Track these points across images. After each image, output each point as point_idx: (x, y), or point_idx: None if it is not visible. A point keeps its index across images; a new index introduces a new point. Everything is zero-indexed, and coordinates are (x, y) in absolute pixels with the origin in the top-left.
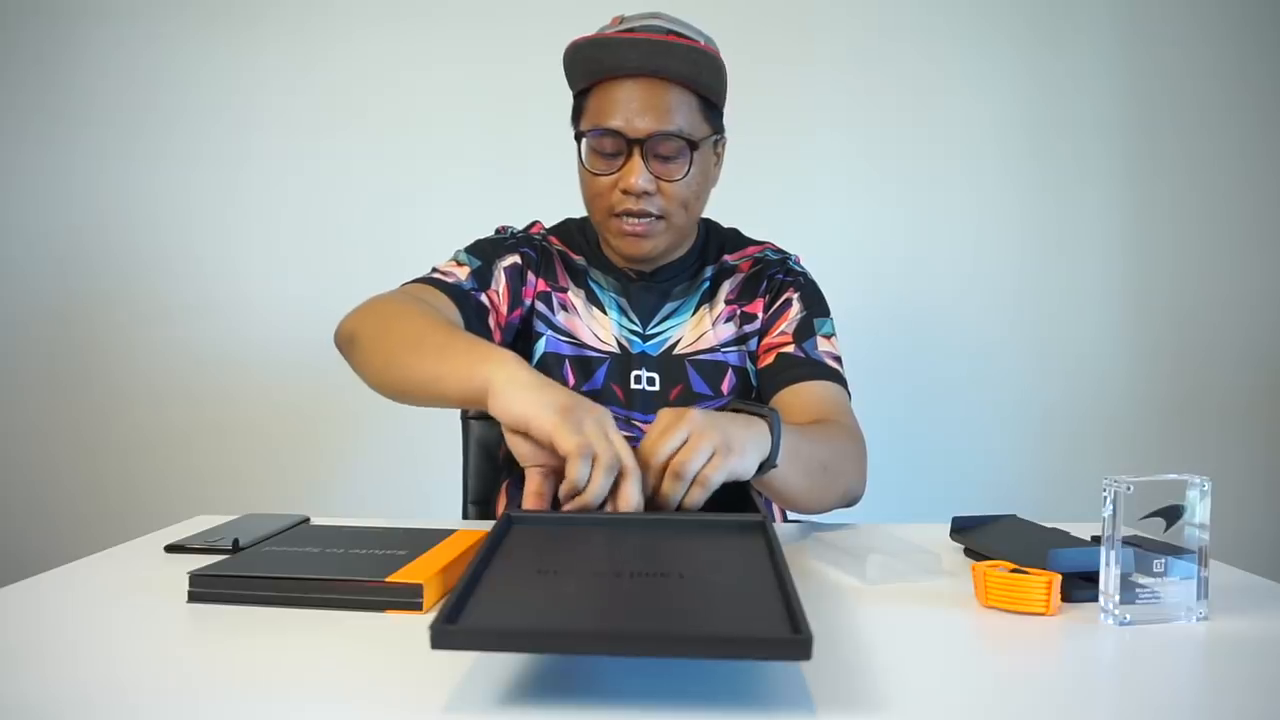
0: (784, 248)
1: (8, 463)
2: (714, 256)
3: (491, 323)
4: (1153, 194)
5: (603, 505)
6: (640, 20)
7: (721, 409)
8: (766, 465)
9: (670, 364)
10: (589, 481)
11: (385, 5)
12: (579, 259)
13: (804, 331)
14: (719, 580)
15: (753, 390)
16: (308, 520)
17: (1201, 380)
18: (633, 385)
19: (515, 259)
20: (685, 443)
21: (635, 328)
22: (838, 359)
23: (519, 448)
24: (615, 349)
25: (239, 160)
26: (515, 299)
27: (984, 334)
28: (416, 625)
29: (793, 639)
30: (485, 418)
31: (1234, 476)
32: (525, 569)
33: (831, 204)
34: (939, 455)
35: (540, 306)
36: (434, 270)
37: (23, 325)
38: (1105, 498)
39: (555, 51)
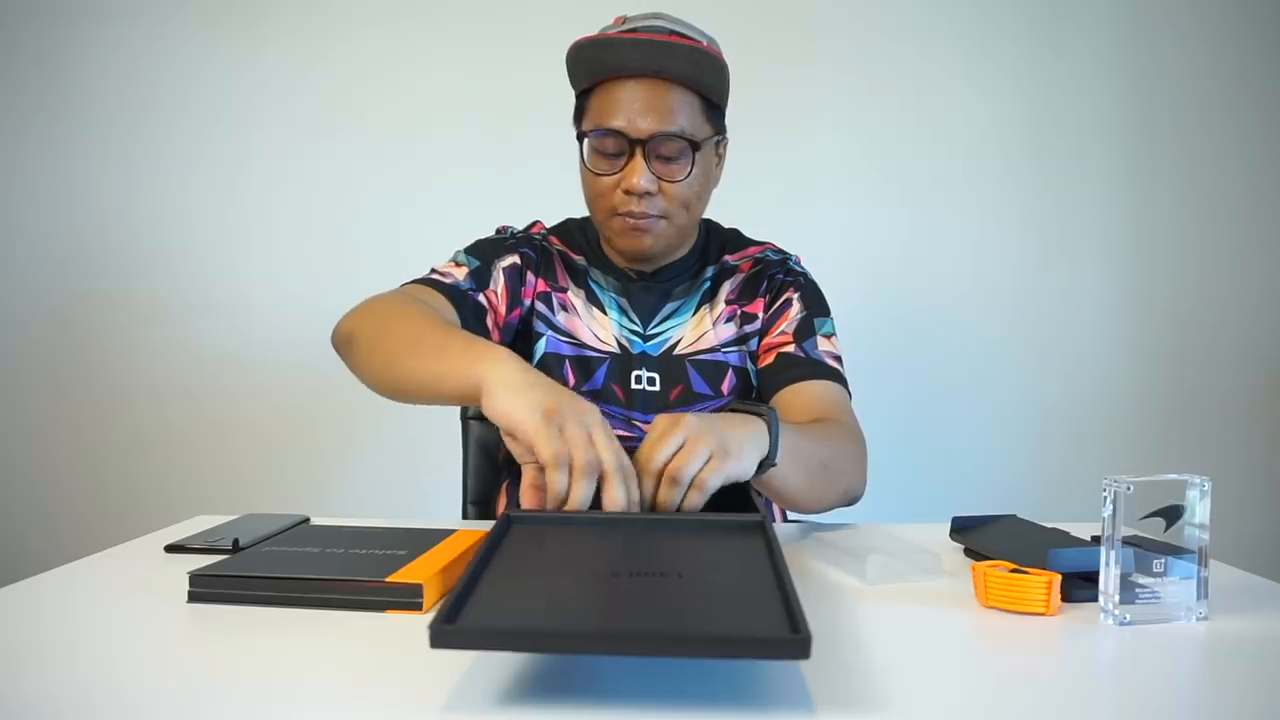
0: (784, 248)
1: (8, 463)
2: (714, 257)
3: (490, 323)
4: (1153, 194)
5: (597, 505)
6: (643, 20)
7: (720, 409)
8: (766, 464)
9: (671, 364)
10: (570, 489)
11: (385, 5)
12: (579, 259)
13: (804, 331)
14: (718, 580)
15: (753, 390)
16: (308, 520)
17: (1201, 381)
18: (633, 385)
19: (514, 259)
20: (681, 448)
21: (636, 328)
22: (838, 358)
23: (513, 446)
24: (615, 349)
25: (239, 160)
26: (514, 299)
27: (984, 334)
28: (416, 625)
29: (791, 639)
30: (484, 418)
31: (1234, 476)
32: (524, 569)
33: (833, 204)
34: (939, 455)
35: (540, 307)
36: (432, 271)
37: (23, 325)
38: (1105, 498)
39: (555, 51)
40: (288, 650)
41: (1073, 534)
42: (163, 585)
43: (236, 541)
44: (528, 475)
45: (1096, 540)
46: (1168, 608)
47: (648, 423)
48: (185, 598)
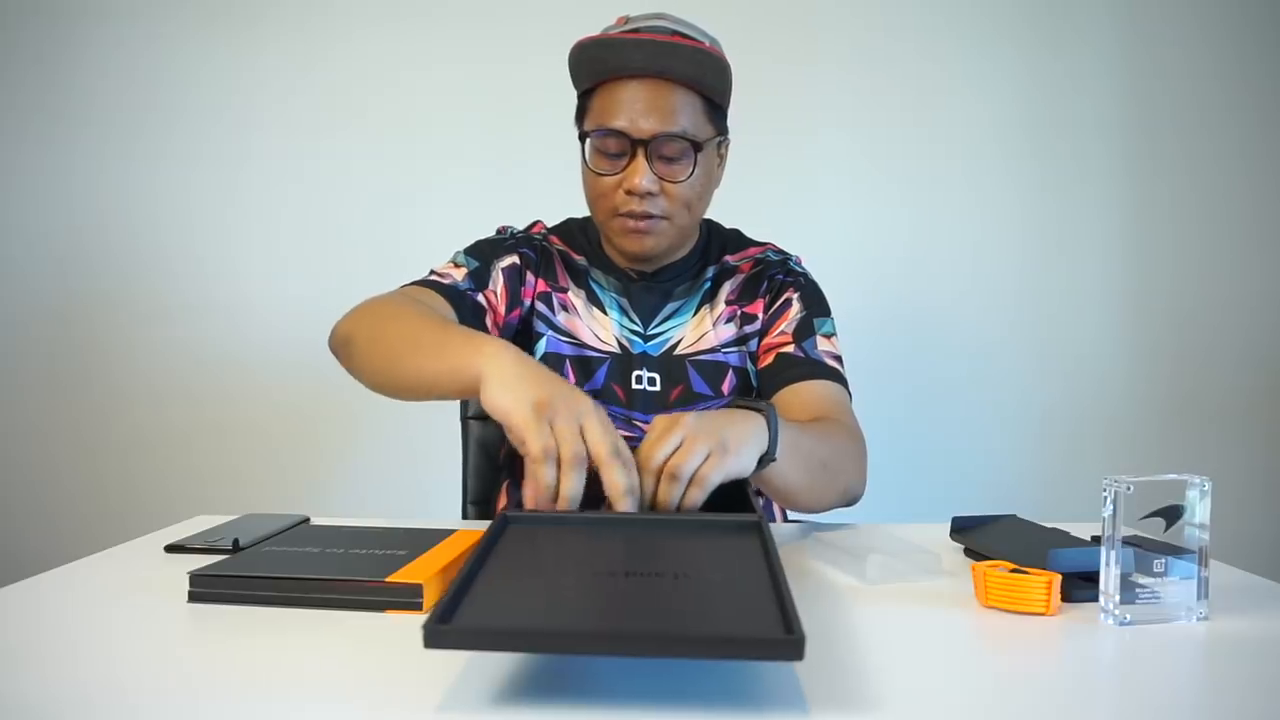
0: (785, 249)
1: (8, 463)
2: (715, 257)
3: (489, 323)
4: (1153, 194)
5: (598, 504)
6: (645, 21)
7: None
8: (765, 459)
9: (671, 364)
10: (559, 482)
11: (385, 5)
12: (580, 259)
13: (804, 331)
14: (714, 580)
15: (753, 391)
16: (308, 520)
17: (1201, 381)
18: (634, 385)
19: (514, 259)
20: (680, 446)
21: (636, 328)
22: (838, 358)
23: (512, 438)
24: (616, 349)
25: (239, 160)
26: (514, 299)
27: (984, 334)
28: (416, 625)
29: (785, 639)
30: (485, 417)
31: (1234, 476)
32: (520, 568)
33: (833, 204)
34: (939, 455)
35: (540, 307)
36: (431, 273)
37: (23, 325)
38: (1105, 498)
39: (555, 51)
40: (288, 650)
41: (1073, 534)
42: (163, 585)
43: (236, 541)
44: (527, 468)
45: (1096, 540)
46: (1168, 608)
47: (648, 423)
48: (185, 598)
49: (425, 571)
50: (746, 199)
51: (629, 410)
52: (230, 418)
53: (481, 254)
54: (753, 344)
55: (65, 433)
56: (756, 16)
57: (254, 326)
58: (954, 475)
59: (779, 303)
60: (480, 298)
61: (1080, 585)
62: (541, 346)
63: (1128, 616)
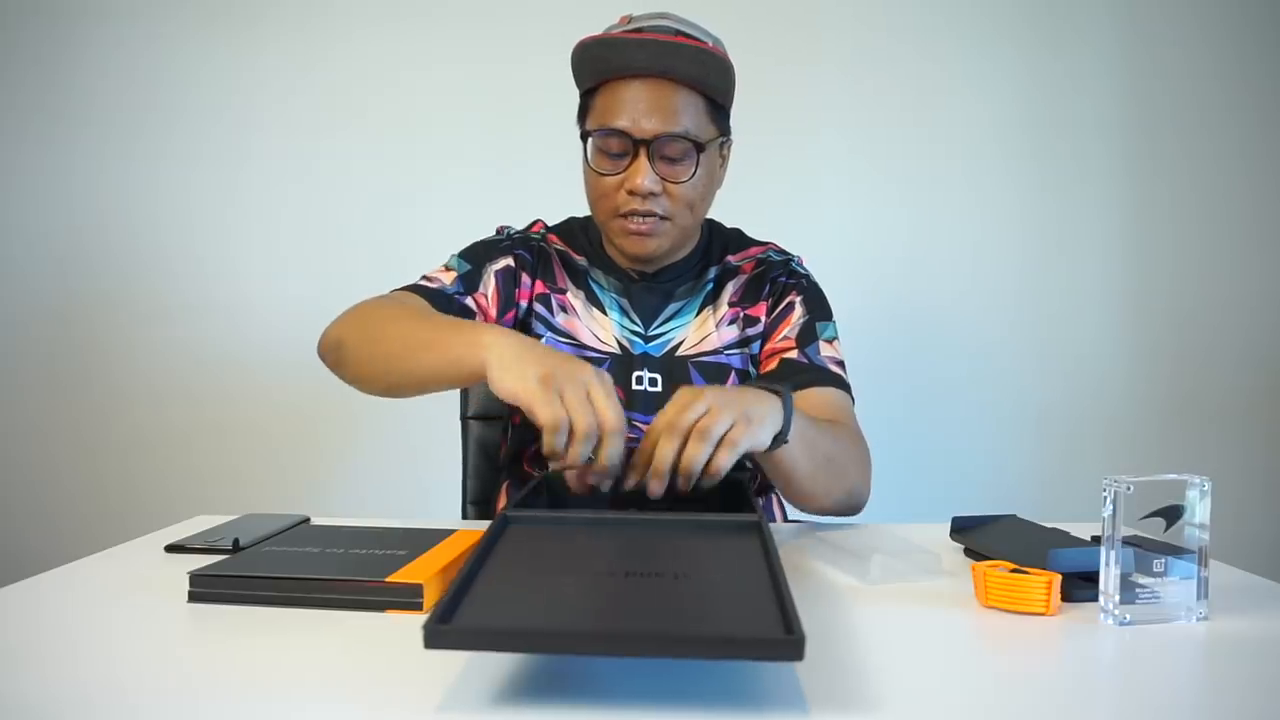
0: (787, 249)
1: (8, 463)
2: (717, 257)
3: None
4: (1153, 194)
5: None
6: (648, 20)
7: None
8: (779, 439)
9: (673, 365)
10: (569, 448)
11: (385, 5)
12: (580, 259)
13: (807, 336)
14: (713, 580)
15: None
16: (308, 520)
17: (1201, 381)
18: (634, 386)
19: (508, 261)
20: (708, 411)
21: (637, 329)
22: (840, 363)
23: (527, 414)
24: (616, 350)
25: (239, 160)
26: (507, 302)
27: (984, 334)
28: (416, 625)
29: (785, 639)
30: (484, 417)
31: (1234, 476)
32: (520, 568)
33: (834, 204)
34: (939, 455)
35: (539, 308)
36: (422, 277)
37: (23, 325)
38: (1105, 498)
39: (555, 51)
40: (288, 650)
41: (1073, 534)
42: (163, 585)
43: (236, 541)
44: (544, 441)
45: (1096, 540)
46: (1168, 608)
47: (649, 423)
48: (185, 598)
49: (425, 571)
50: (747, 199)
51: (629, 411)
52: (230, 418)
53: (474, 257)
54: (755, 346)
55: (65, 433)
56: (758, 16)
57: (254, 326)
58: (954, 475)
59: (782, 306)
60: (469, 301)
61: (1080, 585)
62: None
63: (1128, 616)
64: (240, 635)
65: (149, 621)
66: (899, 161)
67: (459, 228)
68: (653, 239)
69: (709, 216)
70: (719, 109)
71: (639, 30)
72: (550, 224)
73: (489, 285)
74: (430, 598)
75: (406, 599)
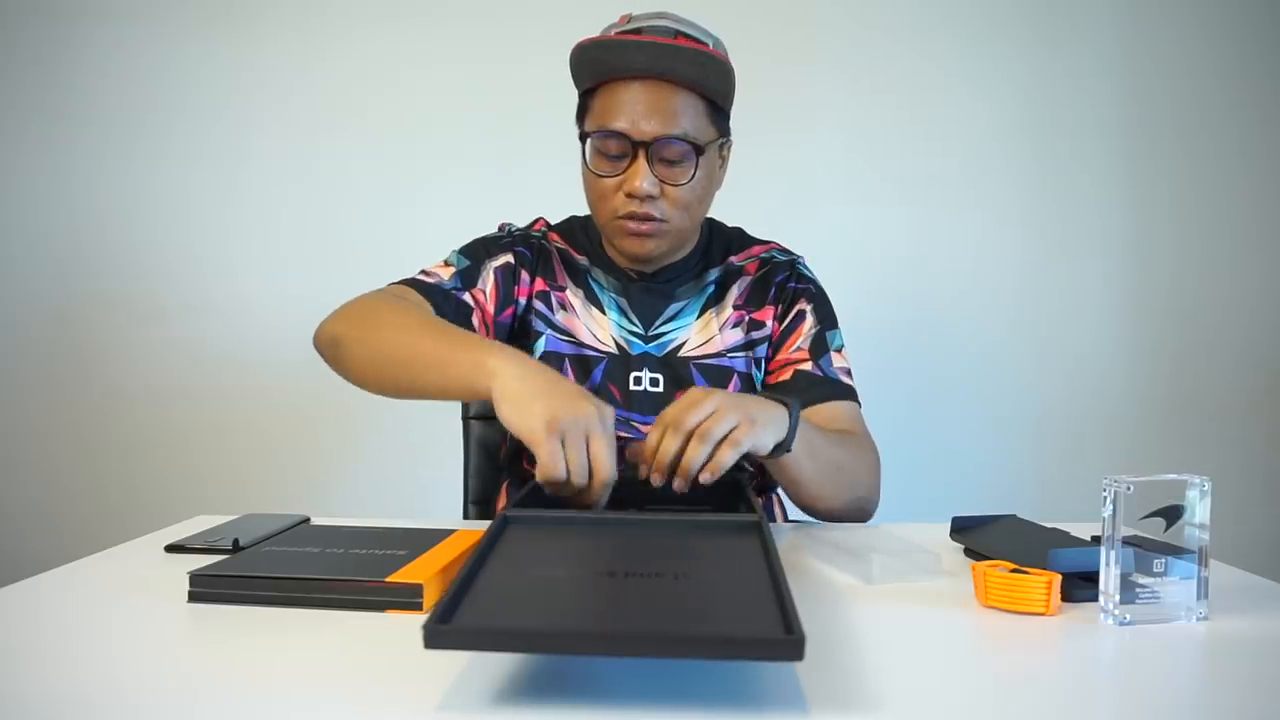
0: (789, 248)
1: (8, 463)
2: (718, 257)
3: (476, 321)
4: (1153, 194)
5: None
6: (648, 20)
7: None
8: (782, 448)
9: (675, 366)
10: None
11: (385, 5)
12: (581, 258)
13: (819, 348)
14: (713, 581)
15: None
16: (308, 520)
17: (1201, 380)
18: (632, 386)
19: (508, 258)
20: (713, 413)
21: (635, 329)
22: (849, 372)
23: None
24: (613, 349)
25: (239, 160)
26: (506, 299)
27: (984, 334)
28: (416, 625)
29: (785, 639)
30: (485, 418)
31: (1234, 476)
32: (520, 568)
33: (831, 203)
34: (939, 455)
35: (539, 305)
36: (420, 272)
37: (23, 325)
38: (1105, 498)
39: (555, 51)
40: (288, 650)
41: (1073, 534)
42: (163, 585)
43: (236, 541)
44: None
45: (1096, 540)
46: (1168, 608)
47: (648, 424)
48: (185, 598)
49: (425, 571)
50: (745, 198)
51: (627, 411)
52: (230, 418)
53: (474, 253)
54: (760, 350)
55: (65, 433)
56: (754, 15)
57: (254, 326)
58: (954, 475)
59: (792, 314)
60: (467, 297)
61: (1080, 585)
62: (540, 346)
63: (1128, 616)
64: (240, 635)
65: (149, 621)
66: (897, 161)
67: (459, 228)
68: (651, 240)
69: (709, 216)
70: (718, 110)
71: (638, 31)
72: (551, 223)
73: (488, 282)
74: (430, 598)
75: (406, 599)
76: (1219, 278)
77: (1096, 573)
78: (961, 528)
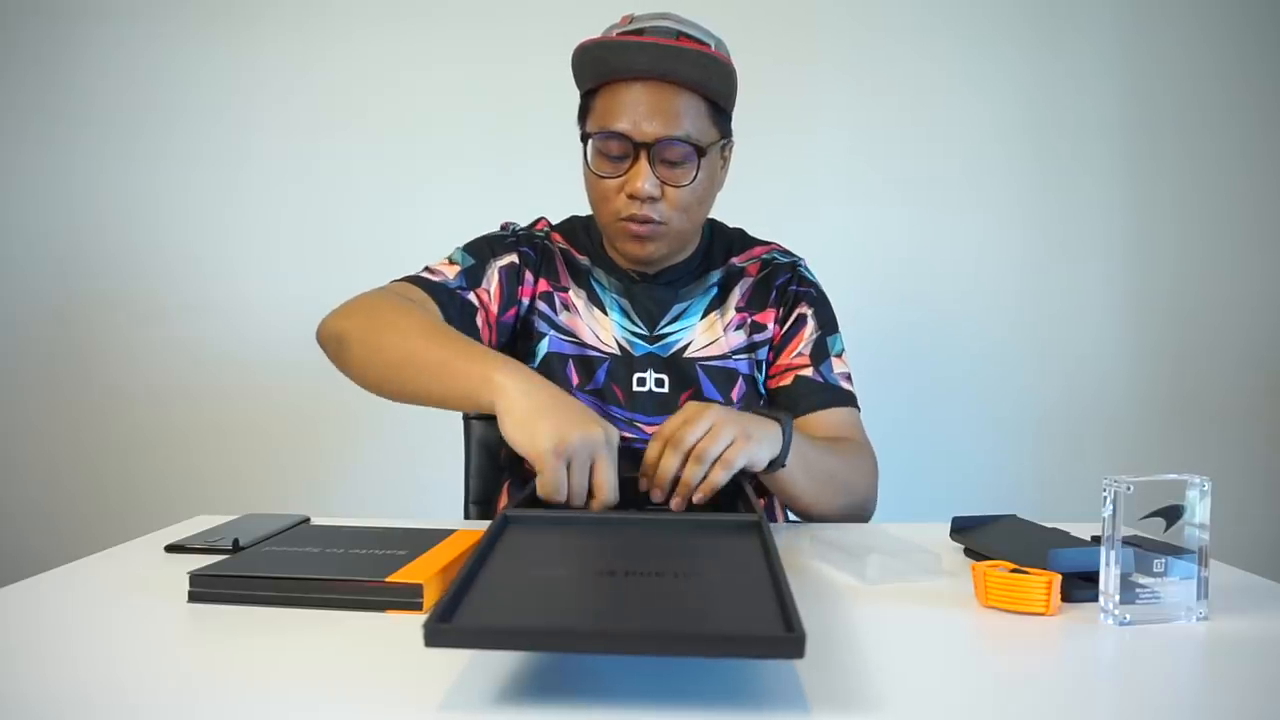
0: (790, 249)
1: (8, 463)
2: (720, 259)
3: (480, 321)
4: (1154, 194)
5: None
6: (650, 21)
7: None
8: (776, 464)
9: (681, 366)
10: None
11: (385, 5)
12: (583, 258)
13: (820, 353)
14: (714, 579)
15: (760, 398)
16: (308, 520)
17: (1201, 381)
18: (635, 387)
19: (512, 258)
20: (709, 431)
21: (638, 330)
22: (849, 377)
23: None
24: (616, 350)
25: (239, 160)
26: (509, 299)
27: (985, 334)
28: (416, 625)
29: (786, 637)
30: (486, 418)
31: (1234, 476)
32: (521, 567)
33: (833, 203)
34: (939, 455)
35: (542, 306)
36: (425, 269)
37: (23, 325)
38: (1105, 498)
39: (555, 51)
40: (288, 650)
41: (1073, 534)
42: (163, 585)
43: (236, 541)
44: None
45: (1096, 540)
46: (1168, 608)
47: (652, 425)
48: (185, 598)
49: (425, 571)
50: (746, 198)
51: (629, 411)
52: (230, 418)
53: (478, 252)
54: (761, 352)
55: (65, 433)
56: (756, 15)
57: (254, 326)
58: (954, 475)
59: (793, 318)
60: (471, 296)
61: (1080, 585)
62: (544, 346)
63: (1128, 616)
64: (240, 635)
65: (149, 621)
66: (898, 161)
67: (459, 228)
68: (652, 243)
69: (711, 217)
70: (720, 112)
71: (640, 31)
72: (552, 223)
73: (492, 281)
74: (430, 598)
75: (406, 599)
76: (1220, 279)
77: (1096, 573)
78: (961, 528)
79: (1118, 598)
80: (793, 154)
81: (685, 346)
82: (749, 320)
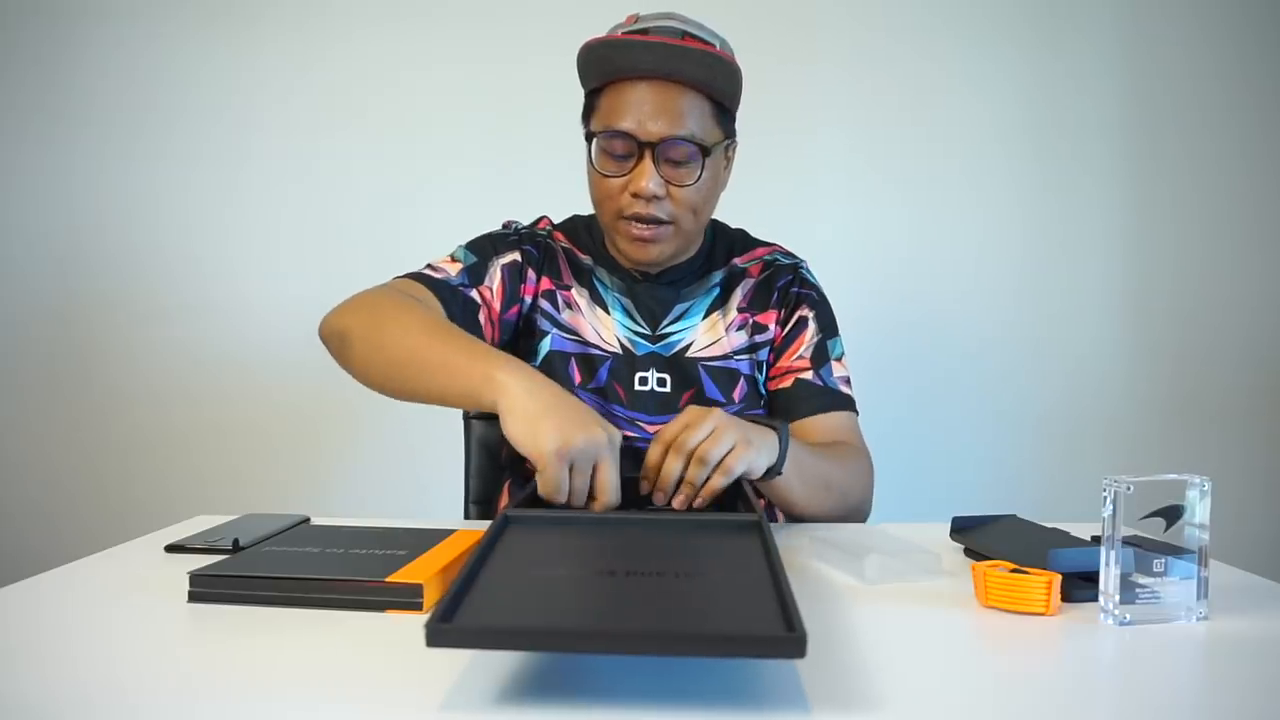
0: (791, 251)
1: (7, 463)
2: (722, 259)
3: (482, 318)
4: (1153, 194)
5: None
6: (656, 21)
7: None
8: (773, 471)
9: (683, 366)
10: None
11: (385, 5)
12: (585, 257)
13: (820, 357)
14: (714, 579)
15: (761, 398)
16: (308, 520)
17: (1201, 381)
18: (637, 386)
19: (515, 256)
20: (710, 434)
21: (641, 329)
22: (848, 381)
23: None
24: (617, 349)
25: (239, 160)
26: (512, 297)
27: (985, 334)
28: (416, 625)
29: (787, 637)
30: (486, 417)
31: (1234, 476)
32: (521, 567)
33: (833, 203)
34: (939, 455)
35: (544, 304)
36: (427, 265)
37: (23, 325)
38: (1105, 498)
39: (555, 51)
40: (288, 650)
41: (1073, 534)
42: (163, 585)
43: (236, 541)
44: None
45: (1096, 540)
46: (1168, 608)
47: (653, 424)
48: (185, 598)
49: (425, 571)
50: (747, 198)
51: (631, 411)
52: (230, 418)
53: (481, 250)
54: (762, 353)
55: (65, 433)
56: (757, 15)
57: (254, 326)
58: (954, 475)
59: (794, 321)
60: (474, 294)
61: (1080, 585)
62: (546, 345)
63: (1128, 616)
64: (240, 635)
65: (149, 621)
66: (899, 161)
67: (459, 228)
68: (655, 245)
69: (713, 218)
70: (725, 112)
71: (645, 31)
72: (554, 222)
73: (495, 279)
74: (430, 598)
75: (406, 599)
76: (1219, 279)
77: (1096, 573)
78: (961, 528)
79: (1118, 598)
80: (793, 154)
81: (687, 346)
82: (750, 321)
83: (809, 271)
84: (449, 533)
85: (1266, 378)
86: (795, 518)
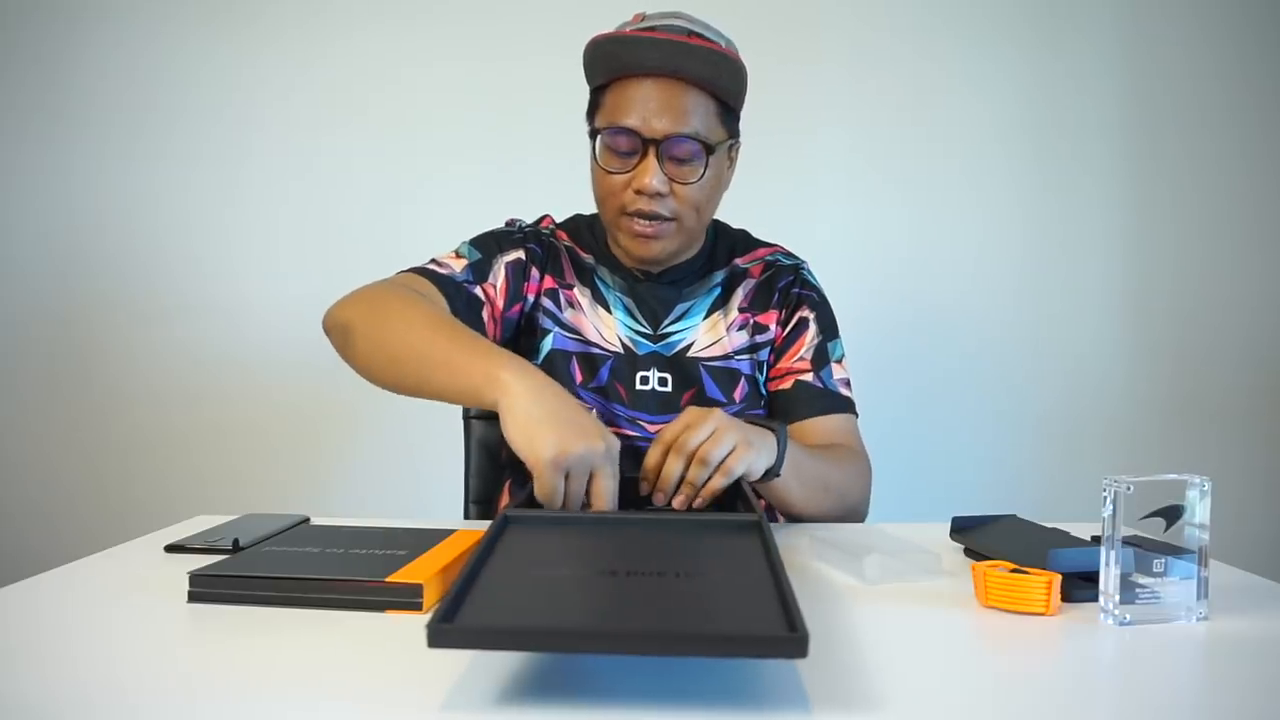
0: (793, 251)
1: (7, 463)
2: (723, 259)
3: (485, 315)
4: (1153, 194)
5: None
6: (662, 19)
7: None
8: (771, 473)
9: (684, 366)
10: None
11: (385, 3)
12: (587, 256)
13: (820, 359)
14: (715, 579)
15: (762, 398)
16: (308, 520)
17: (1201, 381)
18: (639, 386)
19: (519, 254)
20: (711, 435)
21: (642, 329)
22: (848, 383)
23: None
24: (619, 349)
25: (239, 159)
26: (515, 295)
27: (985, 333)
28: (416, 625)
29: (788, 637)
30: (486, 417)
31: (1234, 476)
32: (522, 567)
33: (834, 203)
34: (939, 455)
35: (546, 303)
36: (431, 261)
37: (23, 325)
38: (1105, 498)
39: (556, 49)
40: (288, 650)
41: (1073, 534)
42: (163, 585)
43: (236, 541)
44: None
45: (1096, 540)
46: (1168, 608)
47: (654, 424)
48: (185, 598)
49: (425, 571)
50: (748, 198)
51: (632, 410)
52: (230, 418)
53: (485, 247)
54: (763, 354)
55: (65, 433)
56: (759, 15)
57: (254, 326)
58: (954, 475)
59: (795, 321)
60: (478, 290)
61: (1080, 585)
62: (548, 343)
63: (1128, 616)
64: (240, 635)
65: (149, 621)
66: (899, 161)
67: (459, 226)
68: (658, 242)
69: (715, 218)
70: (729, 111)
71: (652, 29)
72: (557, 220)
73: (499, 276)
74: (430, 598)
75: (406, 599)
76: (1219, 278)
77: (1096, 573)
78: (961, 528)
79: (1118, 598)
80: (794, 153)
81: (688, 346)
82: (751, 321)
83: (810, 273)
84: (449, 533)
85: (1266, 378)
86: (793, 518)
